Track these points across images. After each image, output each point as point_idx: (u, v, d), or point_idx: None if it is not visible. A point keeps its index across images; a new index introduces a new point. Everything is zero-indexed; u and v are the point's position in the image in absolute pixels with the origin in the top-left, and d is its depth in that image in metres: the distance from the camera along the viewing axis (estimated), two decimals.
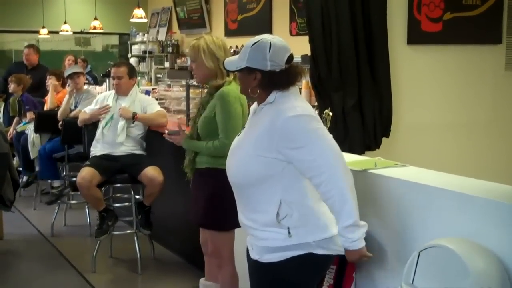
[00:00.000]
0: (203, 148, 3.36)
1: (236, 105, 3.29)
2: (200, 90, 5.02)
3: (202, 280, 3.66)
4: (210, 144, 3.32)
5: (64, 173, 6.13)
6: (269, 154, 2.41)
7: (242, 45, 8.04)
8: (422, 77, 5.23)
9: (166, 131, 3.67)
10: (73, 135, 5.66)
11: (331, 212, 2.41)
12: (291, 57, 2.50)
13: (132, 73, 5.01)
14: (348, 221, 2.35)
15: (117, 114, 4.84)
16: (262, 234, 2.46)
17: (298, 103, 2.45)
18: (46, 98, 6.89)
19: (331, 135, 2.49)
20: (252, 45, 2.48)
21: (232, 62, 2.59)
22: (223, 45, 3.42)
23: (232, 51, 8.26)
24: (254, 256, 2.53)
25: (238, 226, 3.35)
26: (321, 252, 2.47)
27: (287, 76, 2.48)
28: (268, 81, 2.47)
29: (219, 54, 3.35)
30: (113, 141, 4.82)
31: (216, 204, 3.31)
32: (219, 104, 3.29)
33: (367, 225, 2.45)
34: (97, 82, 8.66)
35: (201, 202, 3.39)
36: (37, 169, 6.73)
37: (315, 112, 2.52)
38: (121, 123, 4.80)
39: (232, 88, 3.30)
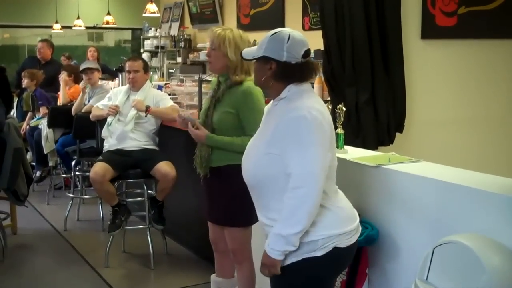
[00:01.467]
0: (232, 145, 3.23)
1: (262, 101, 3.24)
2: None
3: (213, 277, 3.65)
4: (239, 141, 3.19)
5: (77, 167, 6.16)
6: (276, 150, 2.40)
7: (255, 40, 8.03)
8: (436, 72, 5.19)
9: (178, 115, 3.54)
10: (85, 129, 5.73)
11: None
12: (308, 52, 2.49)
13: (147, 67, 5.04)
14: (290, 230, 2.31)
15: (128, 108, 4.84)
16: None
17: (309, 103, 2.42)
18: (59, 93, 6.93)
19: (326, 148, 2.38)
20: (271, 35, 2.49)
21: (250, 51, 2.61)
22: (248, 40, 3.37)
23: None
24: None
25: (257, 220, 3.32)
26: (342, 245, 2.44)
27: (301, 70, 2.47)
28: (282, 72, 2.47)
29: (243, 49, 3.29)
30: (121, 133, 4.81)
31: (241, 201, 3.17)
32: (248, 101, 3.21)
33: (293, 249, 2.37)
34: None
35: (224, 201, 3.34)
36: (50, 163, 6.78)
37: (324, 114, 2.44)
38: (131, 113, 4.79)
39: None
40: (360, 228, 2.61)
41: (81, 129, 5.84)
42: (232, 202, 3.29)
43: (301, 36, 2.50)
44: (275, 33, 2.49)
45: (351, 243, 2.48)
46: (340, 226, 2.44)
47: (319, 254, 2.39)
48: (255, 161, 2.52)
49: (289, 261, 2.41)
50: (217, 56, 3.32)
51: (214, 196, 3.41)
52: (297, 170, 2.32)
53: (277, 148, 2.40)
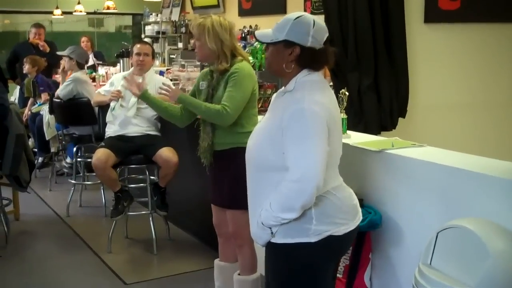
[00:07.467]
0: (200, 107, 3.29)
1: (247, 80, 3.27)
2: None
3: (217, 261, 3.66)
4: (211, 106, 3.25)
5: (79, 154, 6.15)
6: (280, 137, 2.36)
7: (256, 25, 7.91)
8: (439, 56, 5.17)
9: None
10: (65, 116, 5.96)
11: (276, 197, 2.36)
12: (328, 39, 2.45)
13: (154, 53, 5.09)
14: (282, 214, 2.33)
15: (131, 93, 4.81)
16: None
17: (312, 95, 2.36)
18: (56, 76, 6.96)
19: (324, 140, 2.31)
20: (295, 18, 2.40)
21: (266, 34, 2.48)
22: (230, 28, 3.34)
23: (246, 31, 8.19)
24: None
25: None
26: (339, 233, 2.42)
27: (323, 56, 2.43)
28: (306, 57, 2.39)
29: (224, 37, 3.29)
30: (124, 119, 4.80)
31: (244, 183, 3.26)
32: (233, 77, 3.24)
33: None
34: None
35: (227, 183, 3.35)
36: (52, 150, 6.77)
37: (325, 105, 2.37)
38: (133, 99, 4.78)
39: (246, 64, 3.33)
40: (361, 216, 2.57)
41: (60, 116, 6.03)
42: (235, 184, 3.28)
43: (322, 22, 2.45)
44: (298, 16, 2.40)
45: (348, 230, 2.44)
46: (337, 217, 2.41)
47: (313, 240, 2.37)
48: (257, 147, 2.50)
49: (282, 240, 2.39)
50: (200, 46, 3.38)
51: (219, 179, 3.43)
52: (295, 164, 2.28)
53: (281, 135, 2.35)
